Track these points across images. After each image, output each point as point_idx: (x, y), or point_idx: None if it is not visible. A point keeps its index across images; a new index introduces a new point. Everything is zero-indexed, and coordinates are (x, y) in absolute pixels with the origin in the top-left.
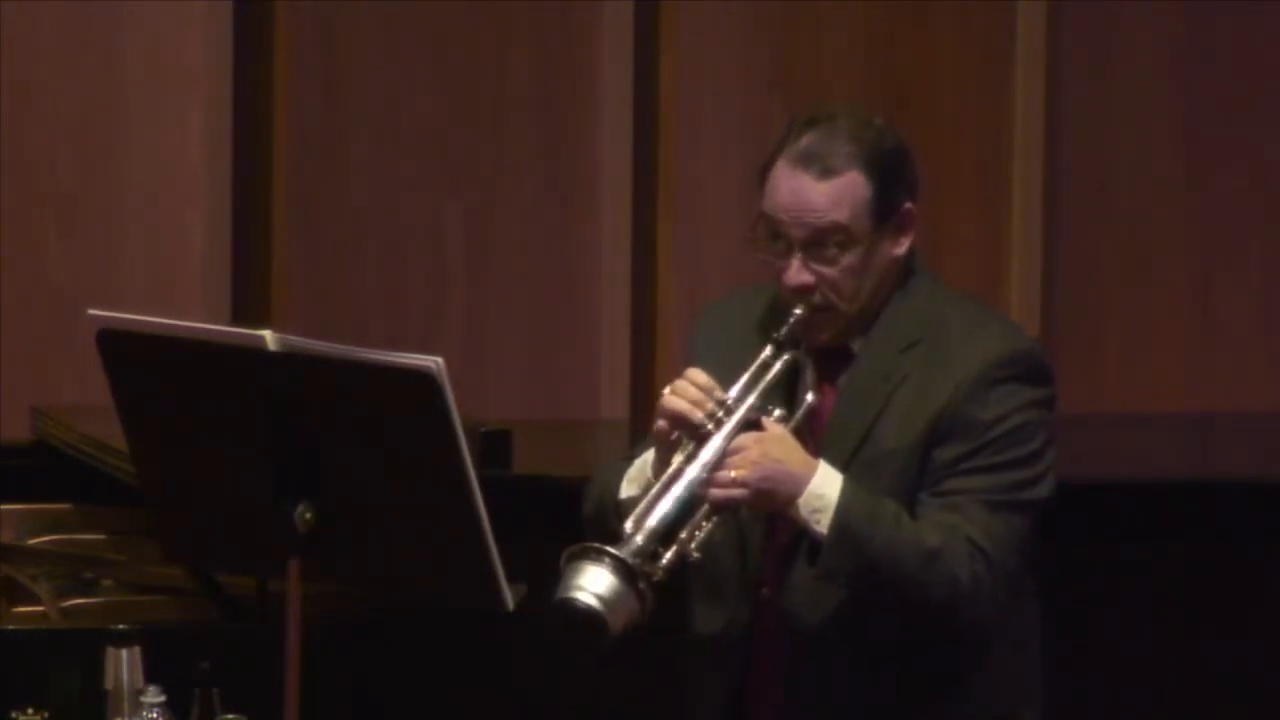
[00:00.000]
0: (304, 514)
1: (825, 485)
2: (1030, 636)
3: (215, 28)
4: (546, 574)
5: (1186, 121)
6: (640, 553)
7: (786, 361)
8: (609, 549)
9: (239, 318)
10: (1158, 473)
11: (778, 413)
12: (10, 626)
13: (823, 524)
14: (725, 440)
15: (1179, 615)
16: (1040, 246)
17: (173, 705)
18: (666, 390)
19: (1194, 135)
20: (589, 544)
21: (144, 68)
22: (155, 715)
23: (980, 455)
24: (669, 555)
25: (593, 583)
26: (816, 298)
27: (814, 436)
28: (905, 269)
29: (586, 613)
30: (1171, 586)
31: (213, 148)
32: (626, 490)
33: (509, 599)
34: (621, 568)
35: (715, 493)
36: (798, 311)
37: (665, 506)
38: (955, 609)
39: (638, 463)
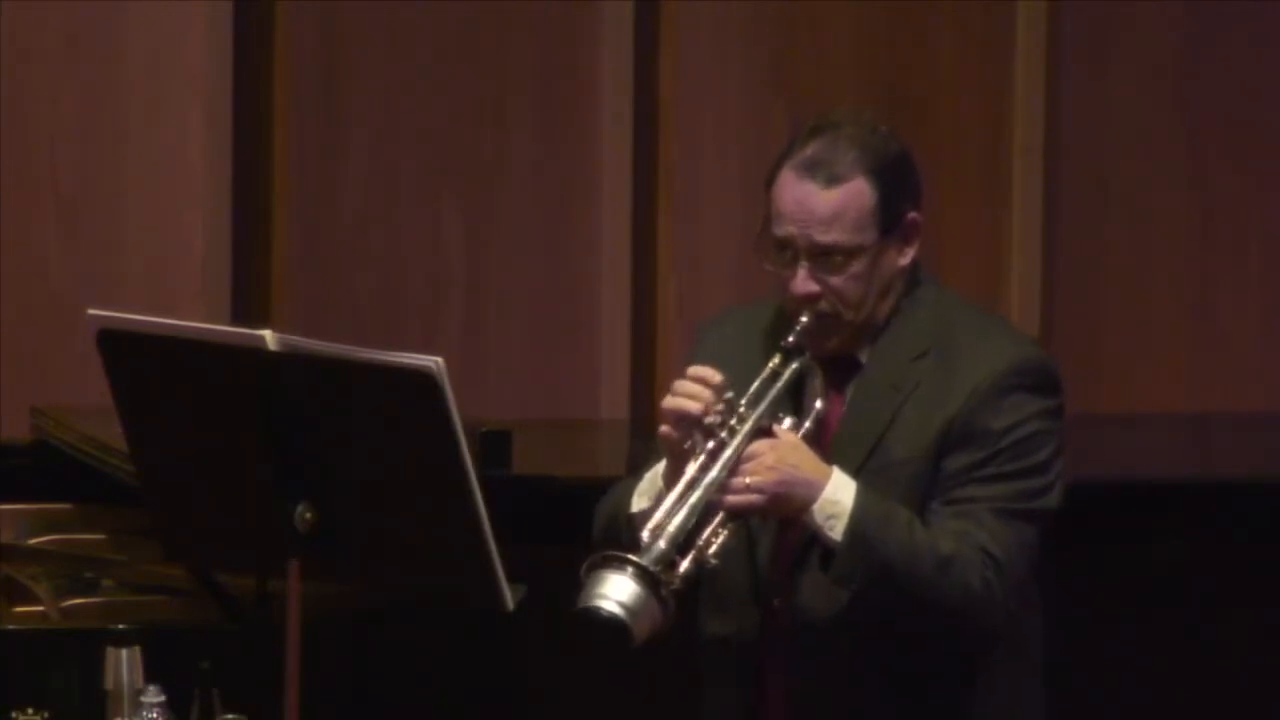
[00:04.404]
0: (304, 514)
1: (839, 491)
2: (1032, 646)
3: (215, 28)
4: (546, 574)
5: (1186, 121)
6: (661, 559)
7: (795, 370)
8: (631, 557)
9: (239, 318)
10: (1158, 473)
11: (788, 420)
12: (10, 626)
13: (837, 530)
14: (739, 447)
15: (1179, 615)
16: (1040, 246)
17: (173, 705)
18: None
19: (1194, 135)
20: (610, 552)
21: (144, 68)
22: (155, 715)
23: (991, 464)
24: (686, 563)
25: (616, 591)
26: (823, 306)
27: (822, 447)
28: (911, 278)
29: (611, 621)
30: (1171, 586)
31: (213, 148)
32: (638, 504)
33: (509, 599)
34: (644, 575)
35: (731, 499)
36: (804, 320)
37: (682, 514)
38: (967, 616)
39: (648, 476)
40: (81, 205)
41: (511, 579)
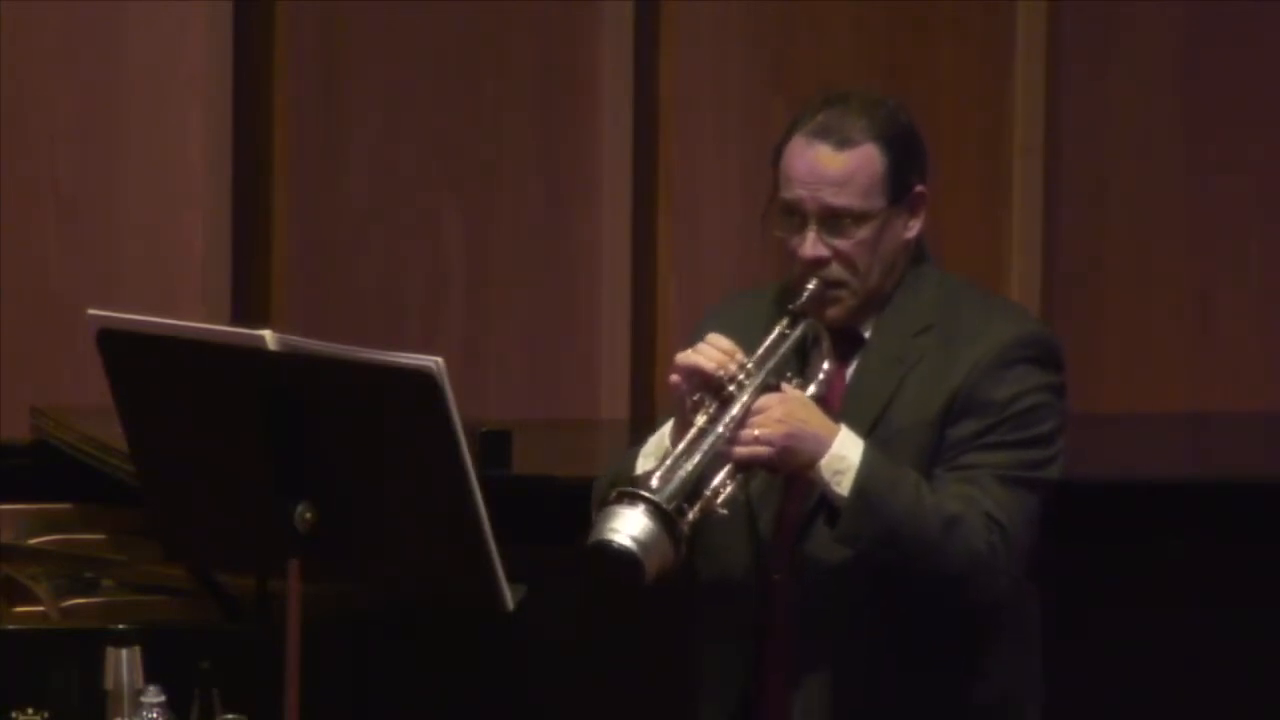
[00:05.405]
0: (304, 514)
1: (847, 448)
2: (1032, 627)
3: (215, 28)
4: (546, 574)
5: (1186, 121)
6: (673, 498)
7: (801, 332)
8: (644, 493)
9: (239, 318)
10: (1158, 473)
11: (795, 381)
12: (10, 626)
13: (844, 486)
14: (748, 402)
15: (1179, 615)
16: (1040, 246)
17: (173, 705)
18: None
19: (1194, 135)
20: (623, 489)
21: (144, 67)
22: (155, 715)
23: (995, 432)
24: (694, 511)
25: (628, 525)
26: (830, 272)
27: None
28: (916, 254)
29: (623, 554)
30: (1171, 586)
31: (213, 148)
32: (643, 465)
33: (509, 599)
34: (656, 511)
35: (740, 450)
36: (811, 286)
37: (691, 463)
38: (972, 578)
39: (652, 440)
40: (81, 205)
41: (511, 579)
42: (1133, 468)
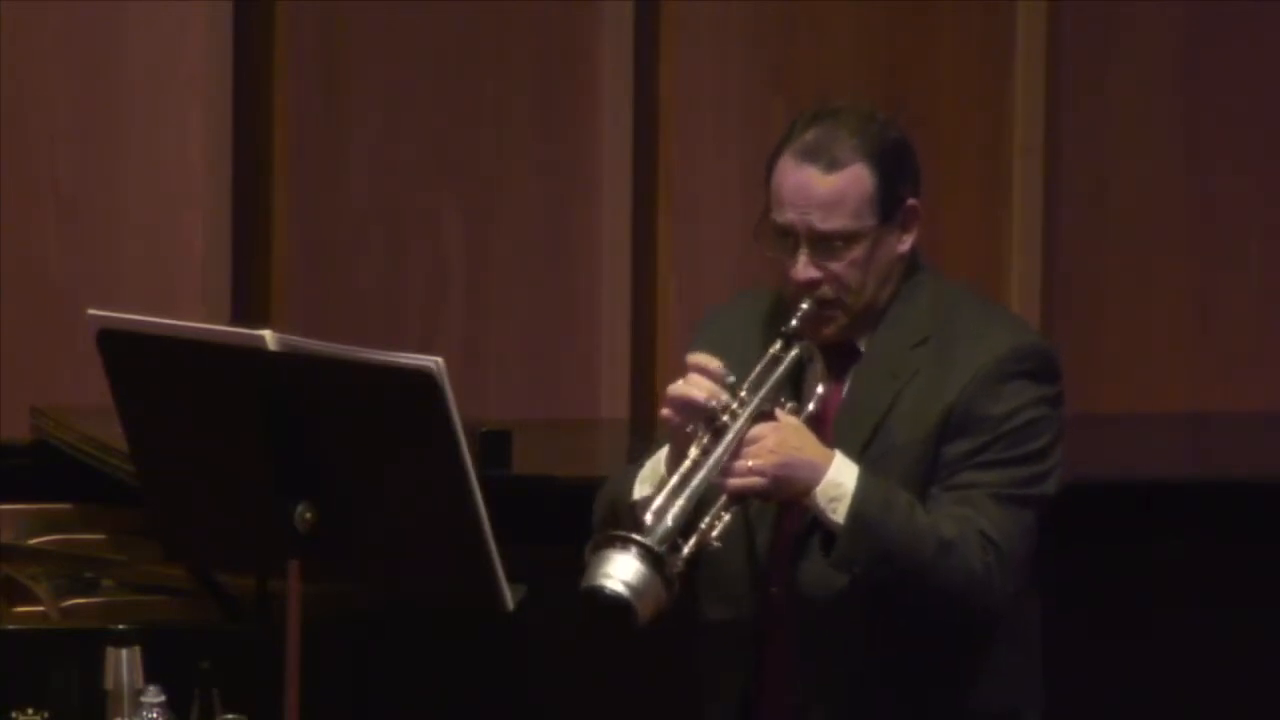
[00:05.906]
0: (304, 514)
1: (842, 474)
2: (1032, 633)
3: (215, 28)
4: (546, 574)
5: (1186, 122)
6: (664, 539)
7: (796, 355)
8: (635, 536)
9: (239, 318)
10: (1158, 473)
11: (790, 405)
12: (10, 626)
13: (839, 513)
14: (741, 431)
15: (1179, 615)
16: (1040, 246)
17: (173, 705)
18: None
19: (1194, 135)
20: (614, 532)
21: (144, 68)
22: (155, 715)
23: (991, 450)
24: (689, 546)
25: (620, 570)
26: (823, 292)
27: (821, 433)
28: (910, 266)
29: (615, 600)
30: (1171, 586)
31: (213, 148)
32: (640, 491)
33: (509, 599)
34: (648, 555)
35: (733, 482)
36: (805, 306)
37: (684, 497)
38: (967, 599)
39: (649, 464)
40: (81, 205)
41: (511, 579)
42: (1133, 468)
